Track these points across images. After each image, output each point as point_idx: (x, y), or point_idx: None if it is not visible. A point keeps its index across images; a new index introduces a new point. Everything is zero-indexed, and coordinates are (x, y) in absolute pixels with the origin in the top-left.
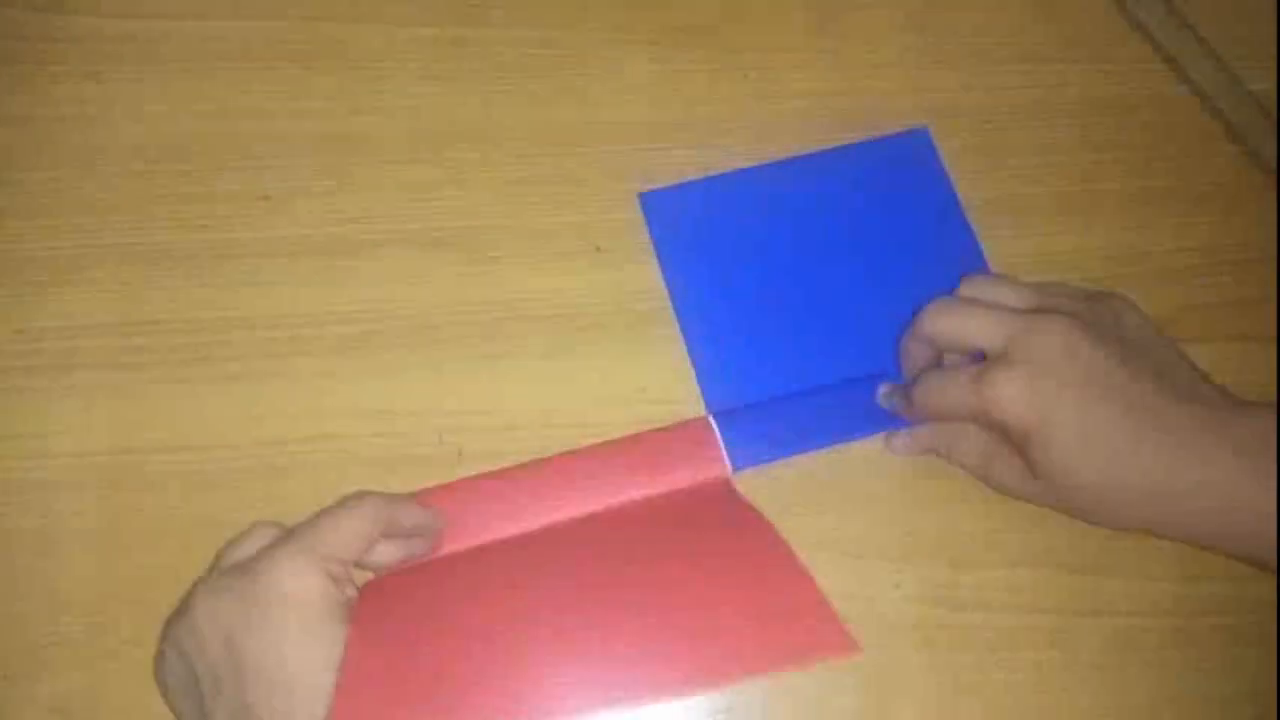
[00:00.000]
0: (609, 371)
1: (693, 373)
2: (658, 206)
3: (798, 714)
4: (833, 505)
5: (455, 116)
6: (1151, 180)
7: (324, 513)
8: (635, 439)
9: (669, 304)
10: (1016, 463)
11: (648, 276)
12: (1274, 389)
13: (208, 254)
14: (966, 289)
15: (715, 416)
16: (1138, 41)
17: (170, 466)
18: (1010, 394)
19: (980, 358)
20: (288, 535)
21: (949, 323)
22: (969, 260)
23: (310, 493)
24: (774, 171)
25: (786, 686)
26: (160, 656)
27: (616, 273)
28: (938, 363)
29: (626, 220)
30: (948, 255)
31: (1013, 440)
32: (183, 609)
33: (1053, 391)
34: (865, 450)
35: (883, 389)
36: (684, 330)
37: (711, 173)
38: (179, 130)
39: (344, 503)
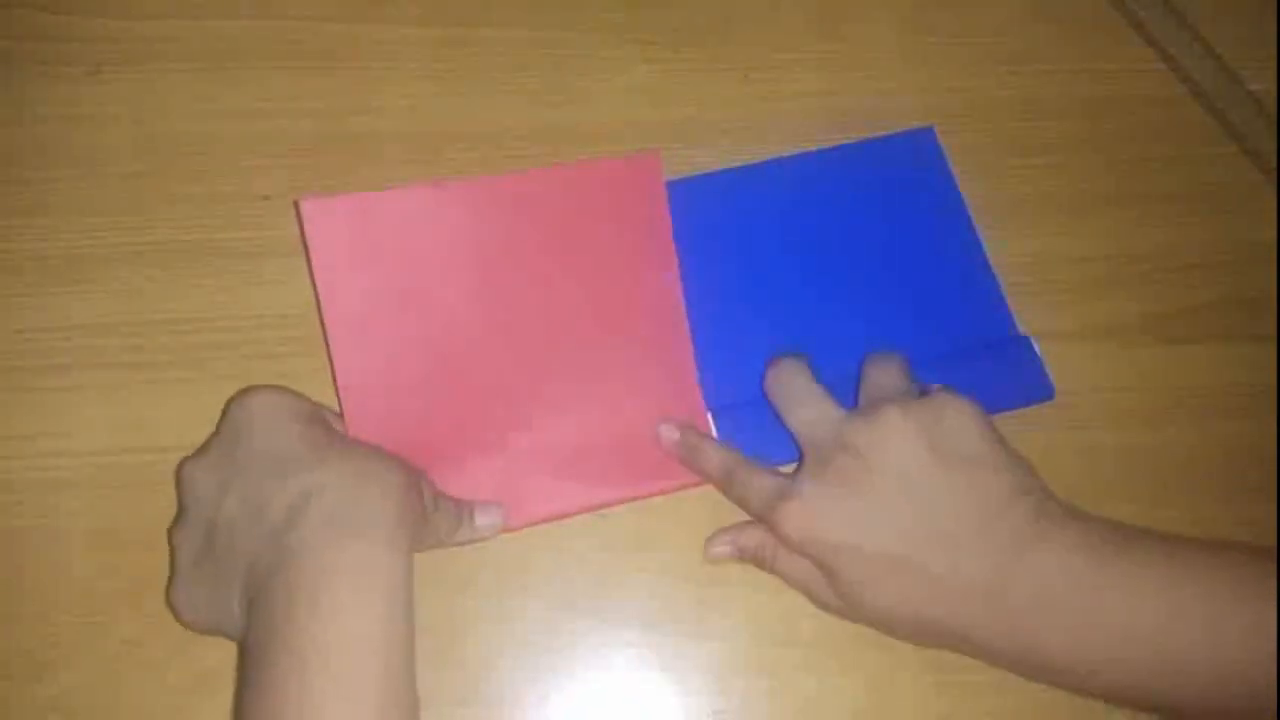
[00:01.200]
0: None
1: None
2: (680, 195)
3: (798, 714)
4: None
5: (455, 116)
6: (1151, 180)
7: None
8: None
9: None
10: (825, 583)
11: None
12: (1274, 389)
13: (208, 254)
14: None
15: (714, 413)
16: (1138, 41)
17: (170, 466)
18: (795, 528)
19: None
20: None
21: (780, 394)
22: (972, 259)
23: None
24: (781, 167)
25: (787, 687)
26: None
27: None
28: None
29: None
30: (951, 254)
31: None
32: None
33: (834, 530)
34: None
35: (668, 432)
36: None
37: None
38: (179, 130)
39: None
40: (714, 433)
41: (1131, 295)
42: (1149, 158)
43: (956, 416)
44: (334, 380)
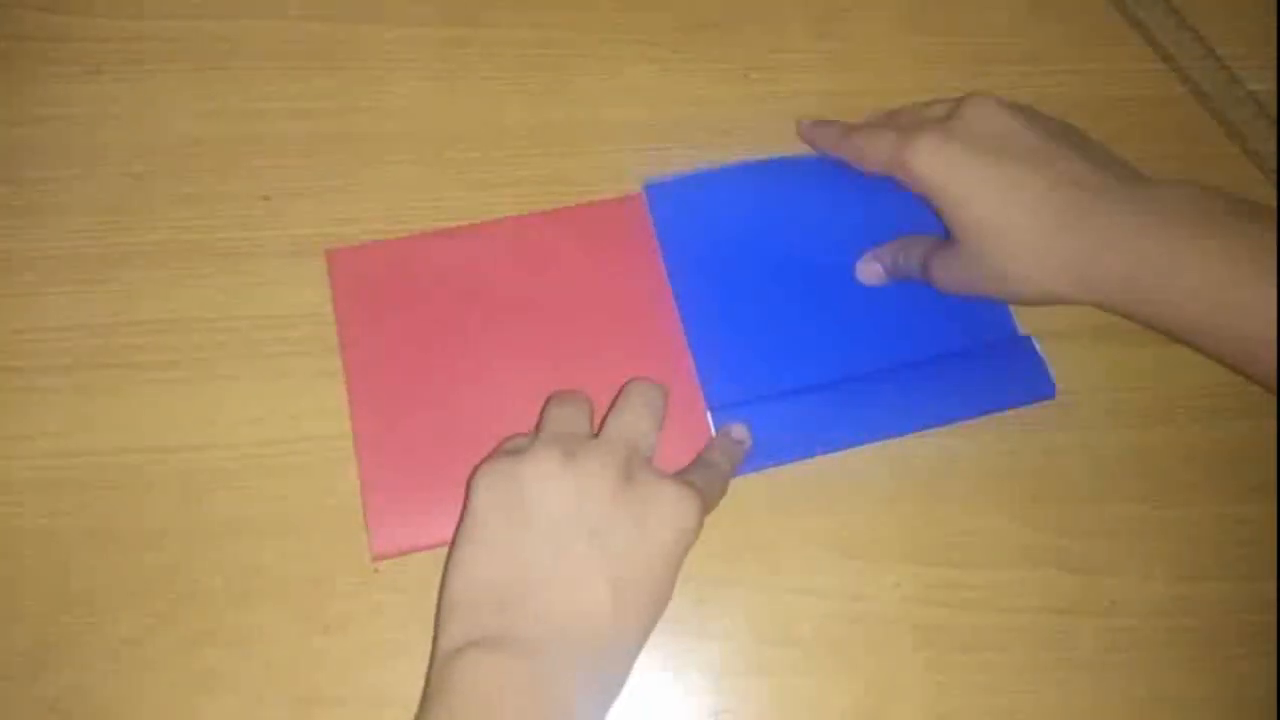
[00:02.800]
0: None
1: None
2: (662, 196)
3: (798, 714)
4: (833, 505)
5: (455, 116)
6: None
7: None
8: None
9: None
10: (954, 251)
11: None
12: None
13: (208, 254)
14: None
15: (713, 412)
16: (1138, 41)
17: (170, 466)
18: (925, 154)
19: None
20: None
21: (912, 106)
22: None
23: (310, 493)
24: (779, 166)
25: (787, 687)
26: (500, 463)
27: None
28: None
29: None
30: None
31: (932, 203)
32: (560, 452)
33: (966, 154)
34: (865, 450)
35: (803, 124)
36: (685, 323)
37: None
38: (179, 130)
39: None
40: (713, 432)
41: None
42: (1149, 158)
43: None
44: (348, 395)
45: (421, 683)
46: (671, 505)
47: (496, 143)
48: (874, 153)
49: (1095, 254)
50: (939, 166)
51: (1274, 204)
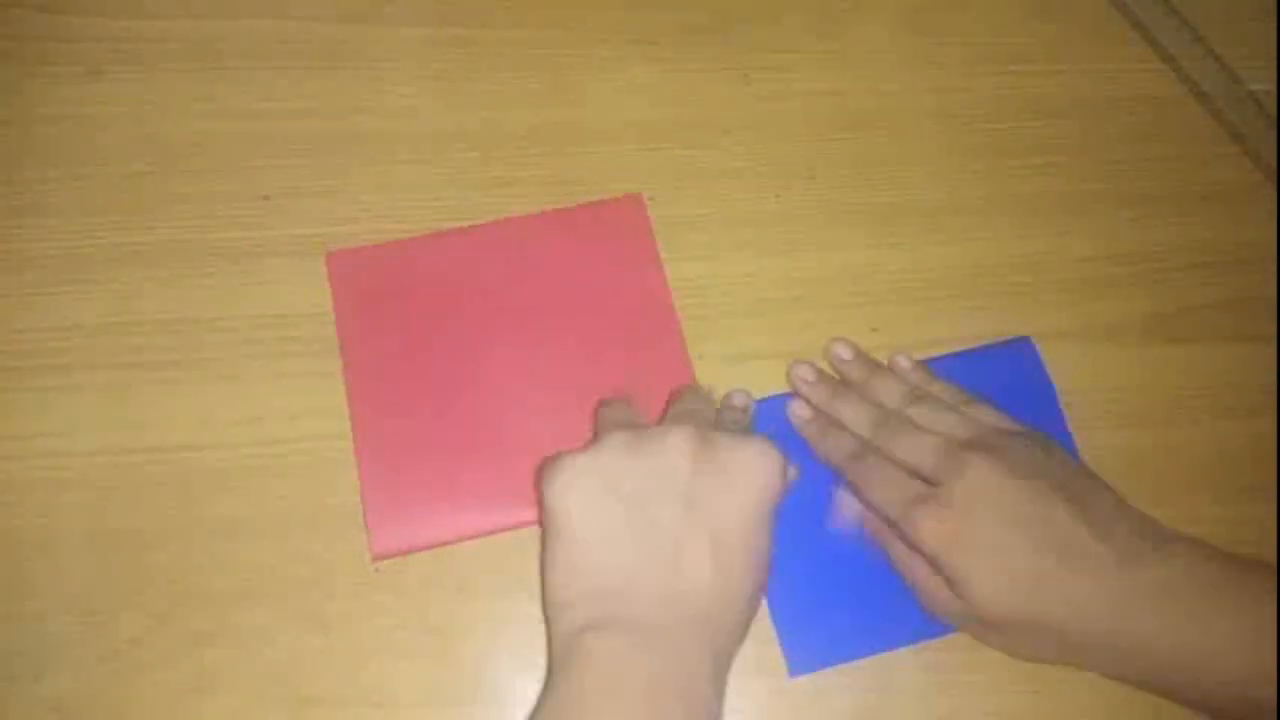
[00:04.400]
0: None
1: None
2: None
3: (798, 714)
4: None
5: (455, 116)
6: (1151, 180)
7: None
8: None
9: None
10: (946, 589)
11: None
12: (1275, 389)
13: (207, 254)
14: (913, 408)
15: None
16: (1138, 41)
17: (170, 466)
18: (931, 529)
19: None
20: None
21: (904, 441)
22: None
23: (310, 493)
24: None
25: (786, 687)
26: (580, 459)
27: None
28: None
29: None
30: None
31: (937, 569)
32: (644, 437)
33: (970, 529)
34: None
35: (799, 410)
36: None
37: (710, 176)
38: (179, 130)
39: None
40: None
41: (1131, 295)
42: (1149, 158)
43: (1053, 447)
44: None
45: (422, 683)
46: (754, 459)
47: (496, 143)
48: (882, 502)
49: (1102, 638)
50: (944, 540)
51: (1274, 203)
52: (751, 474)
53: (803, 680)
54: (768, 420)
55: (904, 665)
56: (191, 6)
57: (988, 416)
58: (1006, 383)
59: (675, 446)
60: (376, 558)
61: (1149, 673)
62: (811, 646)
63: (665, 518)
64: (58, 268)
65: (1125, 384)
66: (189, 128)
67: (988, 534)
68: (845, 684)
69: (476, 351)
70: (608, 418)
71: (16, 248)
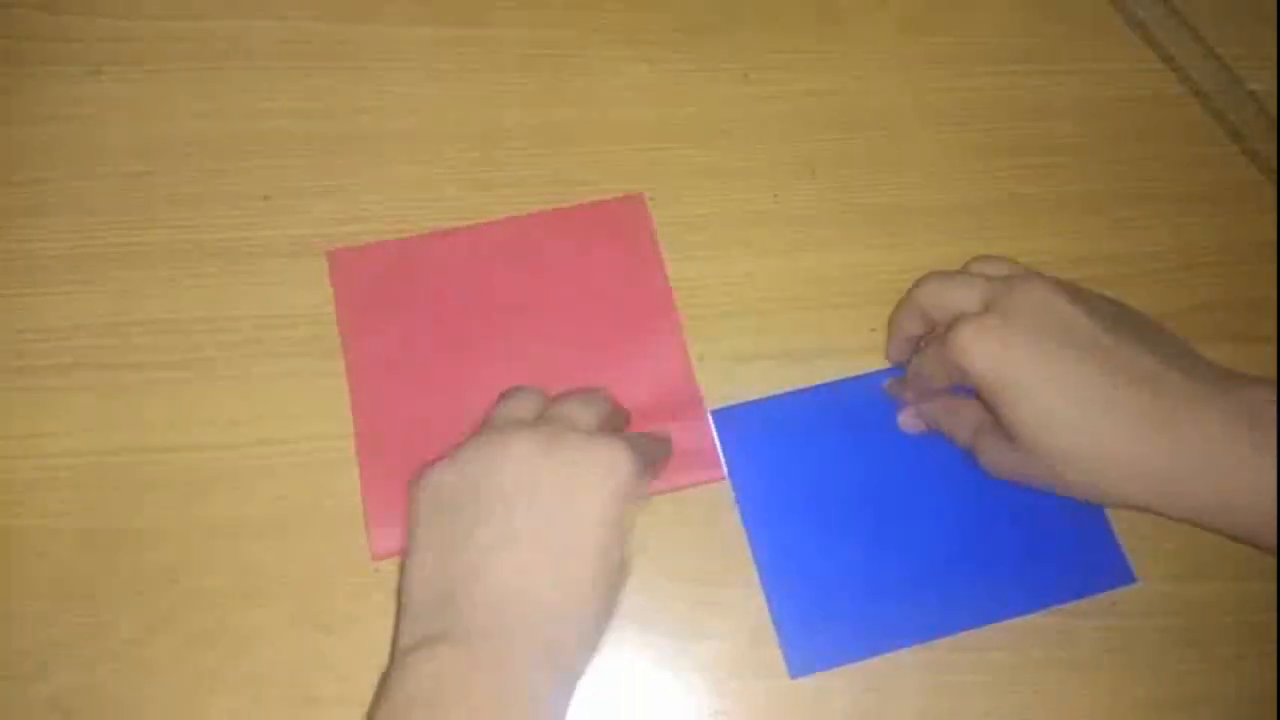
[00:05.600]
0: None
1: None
2: (729, 423)
3: (797, 714)
4: None
5: (455, 116)
6: (1151, 180)
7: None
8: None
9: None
10: (1009, 441)
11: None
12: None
13: (207, 254)
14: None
15: (714, 413)
16: (1138, 41)
17: (170, 466)
18: (977, 344)
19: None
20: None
21: (934, 287)
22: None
23: (310, 493)
24: (849, 388)
25: (786, 687)
26: (433, 471)
27: None
28: (924, 338)
29: None
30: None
31: (985, 399)
32: (486, 441)
33: (1024, 344)
34: None
35: (887, 381)
36: (754, 549)
37: (710, 176)
38: (179, 130)
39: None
40: (714, 433)
41: (1132, 295)
42: (1149, 158)
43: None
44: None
45: None
46: (600, 457)
47: (496, 143)
48: (929, 361)
49: (1188, 472)
50: (991, 357)
51: (1274, 203)
52: (598, 473)
53: (803, 680)
54: (728, 429)
55: (904, 665)
56: (191, 6)
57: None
58: None
59: (521, 443)
60: (376, 557)
61: (1230, 507)
62: (812, 647)
63: (509, 522)
64: (58, 268)
65: None
66: (189, 128)
67: (1043, 347)
68: (845, 684)
69: (477, 351)
70: (499, 413)
71: (16, 248)
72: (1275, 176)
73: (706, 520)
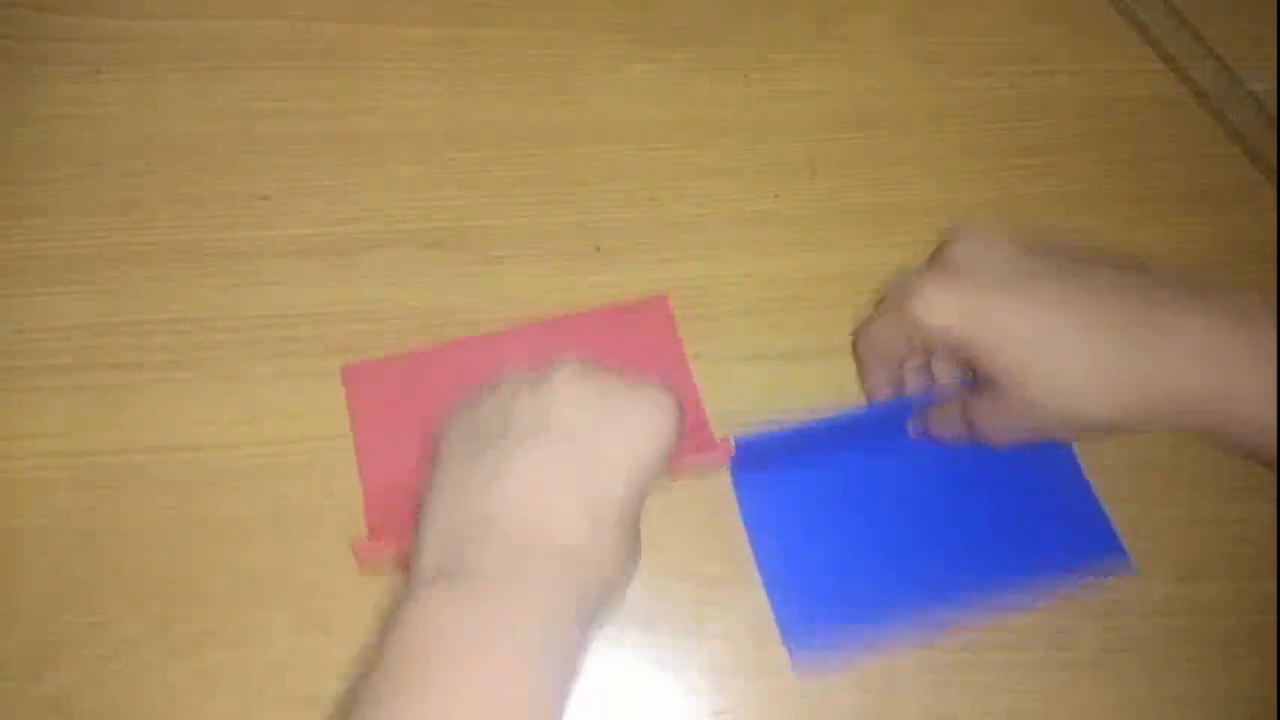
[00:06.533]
0: None
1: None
2: (748, 456)
3: (798, 714)
4: None
5: (455, 116)
6: (1151, 180)
7: None
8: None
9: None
10: (993, 401)
11: (647, 277)
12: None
13: (207, 254)
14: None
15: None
16: (1138, 41)
17: (169, 466)
18: (937, 301)
19: (968, 382)
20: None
21: (877, 325)
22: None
23: (310, 492)
24: (863, 419)
25: (787, 687)
26: (469, 400)
27: (616, 273)
28: (899, 380)
29: (626, 220)
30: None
31: (961, 356)
32: (531, 378)
33: (983, 286)
34: None
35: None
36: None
37: (710, 176)
38: (179, 130)
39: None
40: (717, 439)
41: None
42: (1149, 158)
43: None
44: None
45: None
46: (651, 401)
47: (496, 143)
48: (891, 336)
49: (1179, 374)
50: (954, 307)
51: (1274, 203)
52: (642, 419)
53: (803, 680)
54: (745, 462)
55: (904, 665)
56: (191, 6)
57: None
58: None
59: (562, 383)
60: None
61: (1226, 408)
62: (815, 638)
63: (541, 457)
64: (58, 268)
65: None
66: (189, 128)
67: (1007, 285)
68: (845, 684)
69: None
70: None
71: (16, 248)
72: (1275, 176)
73: (706, 520)
